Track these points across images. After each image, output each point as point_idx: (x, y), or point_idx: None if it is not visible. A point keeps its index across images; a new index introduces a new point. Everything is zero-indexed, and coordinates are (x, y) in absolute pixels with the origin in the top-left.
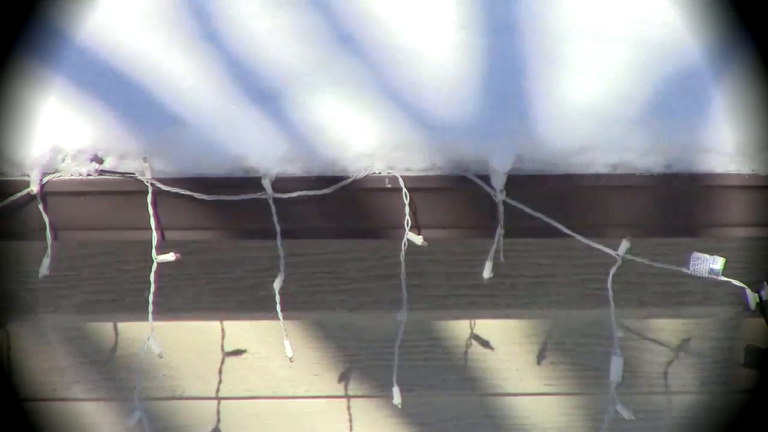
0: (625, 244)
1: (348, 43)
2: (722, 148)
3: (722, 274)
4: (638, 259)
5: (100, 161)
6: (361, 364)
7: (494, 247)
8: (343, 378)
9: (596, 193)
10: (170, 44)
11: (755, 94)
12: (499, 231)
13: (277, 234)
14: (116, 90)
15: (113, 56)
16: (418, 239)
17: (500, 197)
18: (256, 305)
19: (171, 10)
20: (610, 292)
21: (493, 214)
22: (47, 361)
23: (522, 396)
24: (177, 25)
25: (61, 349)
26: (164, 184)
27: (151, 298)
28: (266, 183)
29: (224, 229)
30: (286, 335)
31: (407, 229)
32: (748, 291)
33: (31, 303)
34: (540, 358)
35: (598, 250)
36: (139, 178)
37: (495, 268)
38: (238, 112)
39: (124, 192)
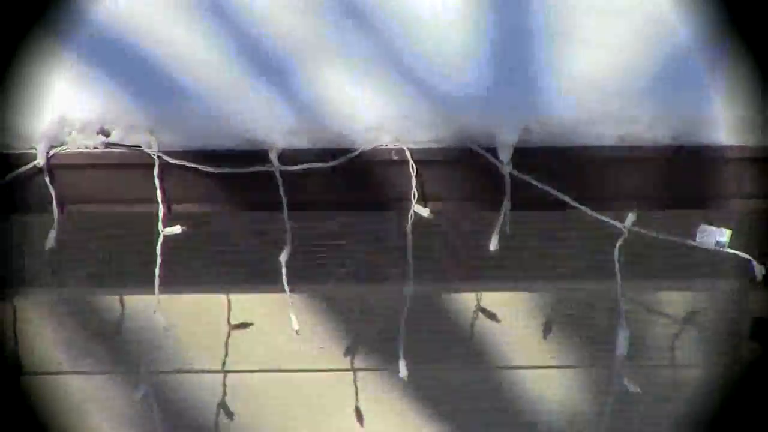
0: (631, 217)
1: (355, 16)
2: (729, 119)
3: (729, 246)
4: (645, 232)
5: (107, 134)
6: (367, 337)
7: (501, 219)
8: (350, 351)
9: (603, 165)
10: (177, 17)
11: (762, 65)
12: (506, 203)
13: (283, 207)
14: (123, 63)
15: (120, 30)
16: (425, 211)
17: (507, 169)
18: (263, 278)
19: None
20: (617, 264)
21: (500, 186)
22: (53, 335)
23: (528, 369)
24: None
25: (68, 322)
26: (171, 157)
27: (157, 271)
28: (273, 156)
29: (231, 202)
30: (293, 308)
31: (414, 201)
32: (755, 263)
33: (38, 276)
34: (546, 331)
35: (605, 222)
36: (145, 150)
37: (501, 240)
38: (244, 85)
39: (130, 165)
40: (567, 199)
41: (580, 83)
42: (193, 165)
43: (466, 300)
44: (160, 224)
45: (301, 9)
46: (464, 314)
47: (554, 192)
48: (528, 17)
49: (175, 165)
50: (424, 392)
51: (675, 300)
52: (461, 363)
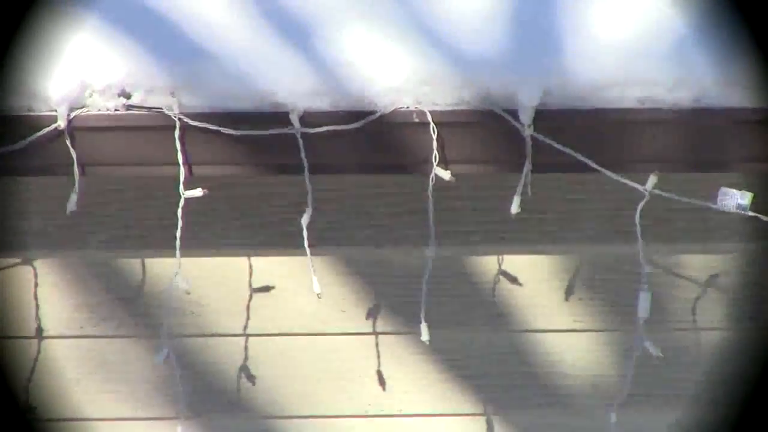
0: (652, 179)
1: None
2: (750, 82)
3: (750, 209)
4: (666, 194)
5: (128, 96)
6: (389, 301)
7: (522, 182)
8: (371, 314)
9: (624, 127)
10: None
11: None
12: (527, 166)
13: (304, 169)
14: (144, 24)
15: None
16: (446, 174)
17: (528, 132)
18: (284, 241)
19: None
20: (638, 227)
21: (521, 149)
22: (74, 298)
23: (550, 332)
24: None
25: (89, 285)
26: (192, 119)
27: (178, 233)
28: (294, 118)
29: (252, 165)
30: (314, 271)
31: (435, 164)
32: None
33: (59, 239)
34: (568, 294)
35: (626, 185)
36: (166, 113)
37: (523, 203)
38: (266, 46)
39: (151, 127)
40: (588, 161)
41: (601, 45)
42: (214, 127)
43: (488, 263)
44: (181, 187)
45: None
46: (486, 277)
47: (575, 154)
48: None
49: (197, 127)
50: (446, 356)
51: (696, 263)
52: (483, 326)
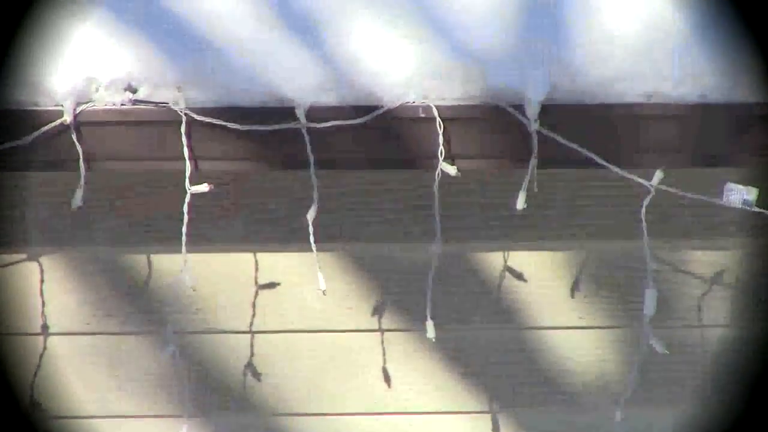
0: (658, 175)
1: None
2: (757, 77)
3: (756, 205)
4: (672, 190)
5: (134, 91)
6: (395, 297)
7: (528, 177)
8: (377, 311)
9: (630, 123)
10: None
11: None
12: (533, 161)
13: (310, 164)
14: (150, 19)
15: None
16: (452, 169)
17: (534, 127)
18: (290, 236)
19: None
20: (644, 223)
21: (527, 144)
22: (80, 294)
23: (555, 329)
24: None
25: (95, 281)
26: (198, 114)
27: (184, 229)
28: (300, 113)
29: (258, 160)
30: (320, 267)
31: (441, 159)
32: None
33: (65, 235)
34: (573, 290)
35: (632, 180)
36: (173, 107)
37: (529, 198)
38: (272, 41)
39: (157, 122)
40: (594, 156)
41: (608, 40)
42: (220, 122)
43: (493, 259)
44: (187, 182)
45: None
46: (491, 273)
47: (581, 150)
48: None
49: (203, 122)
50: (451, 353)
51: (702, 259)
52: (488, 323)
